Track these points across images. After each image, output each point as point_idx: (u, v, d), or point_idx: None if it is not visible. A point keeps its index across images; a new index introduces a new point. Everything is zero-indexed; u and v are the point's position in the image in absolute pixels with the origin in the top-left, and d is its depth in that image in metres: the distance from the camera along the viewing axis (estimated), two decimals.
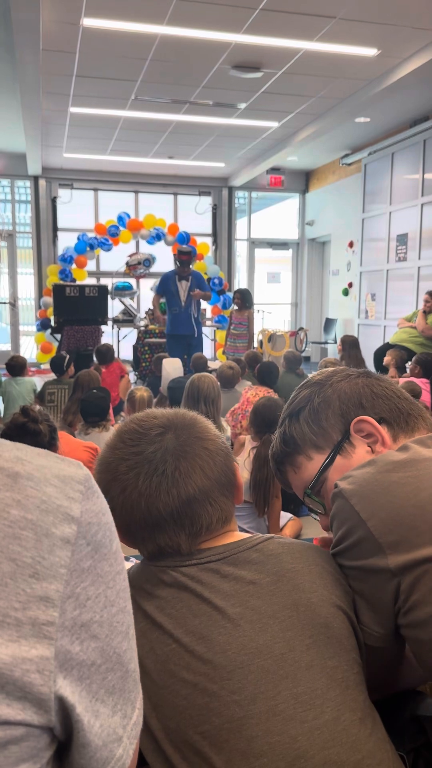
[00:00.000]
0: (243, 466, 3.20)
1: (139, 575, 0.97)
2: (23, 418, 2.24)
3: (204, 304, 10.65)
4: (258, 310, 10.30)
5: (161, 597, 0.92)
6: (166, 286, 7.55)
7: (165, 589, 0.92)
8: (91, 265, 10.54)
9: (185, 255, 7.64)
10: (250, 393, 4.67)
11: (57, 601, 0.51)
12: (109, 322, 8.99)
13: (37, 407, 2.36)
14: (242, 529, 3.39)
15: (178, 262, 7.58)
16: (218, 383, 3.95)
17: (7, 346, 10.84)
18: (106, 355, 6.28)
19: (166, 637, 0.88)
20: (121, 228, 10.23)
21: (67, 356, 5.99)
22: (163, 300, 7.83)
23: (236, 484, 1.03)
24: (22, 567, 0.50)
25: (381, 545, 0.88)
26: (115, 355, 9.41)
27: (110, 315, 9.00)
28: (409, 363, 5.62)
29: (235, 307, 8.18)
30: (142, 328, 8.94)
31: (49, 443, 2.24)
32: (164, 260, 10.99)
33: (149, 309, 9.69)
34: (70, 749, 0.54)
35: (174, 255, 7.78)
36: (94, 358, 6.58)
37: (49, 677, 0.50)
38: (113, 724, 0.55)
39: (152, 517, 0.95)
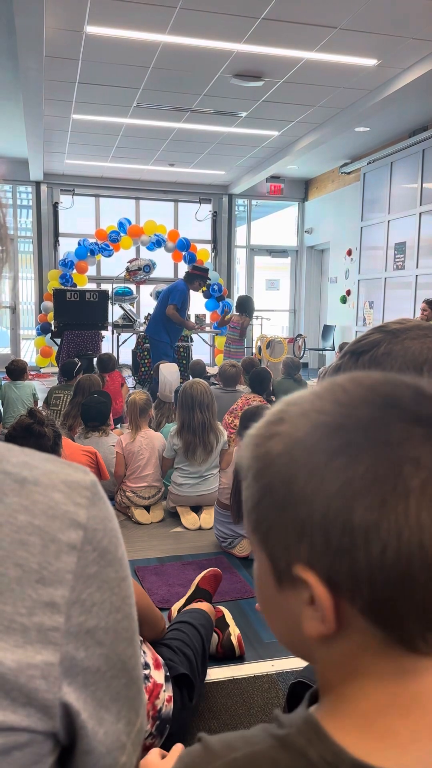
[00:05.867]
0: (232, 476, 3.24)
1: None
2: (29, 420, 2.27)
3: (203, 310, 10.71)
4: (257, 317, 10.34)
5: None
6: (187, 301, 7.44)
7: None
8: (91, 271, 10.58)
9: (205, 272, 7.65)
10: (240, 401, 4.71)
11: (63, 606, 0.50)
12: (109, 327, 9.02)
13: (45, 411, 2.40)
14: (222, 534, 3.42)
15: (200, 281, 7.47)
16: (210, 388, 3.98)
17: (7, 350, 10.87)
18: (108, 363, 6.18)
19: None
20: (121, 234, 10.28)
21: (79, 363, 5.98)
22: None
23: None
24: (28, 572, 0.50)
25: None
26: (117, 361, 9.47)
27: (110, 320, 9.03)
28: None
29: (236, 313, 8.21)
30: (142, 334, 8.97)
31: (52, 447, 2.27)
32: (164, 266, 11.05)
33: (149, 314, 9.73)
34: (74, 756, 0.54)
35: (192, 273, 7.53)
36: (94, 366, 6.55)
37: (54, 683, 0.50)
38: (117, 731, 0.55)
39: None
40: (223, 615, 2.49)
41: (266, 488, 0.49)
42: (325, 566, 0.46)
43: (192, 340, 9.17)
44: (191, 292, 7.47)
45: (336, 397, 0.49)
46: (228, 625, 2.45)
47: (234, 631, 2.42)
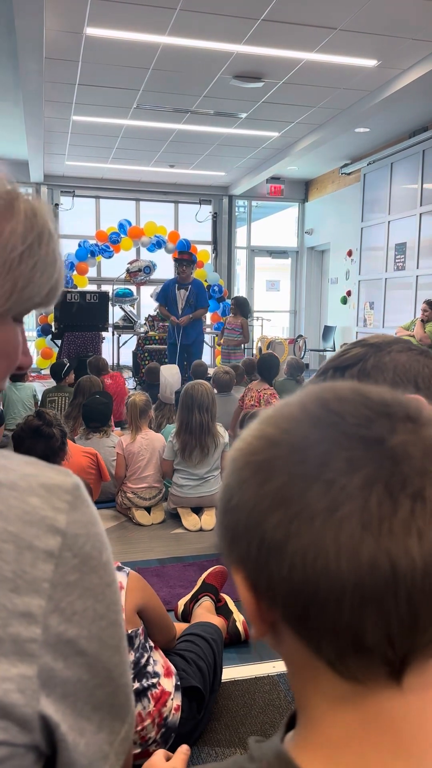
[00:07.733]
0: None
1: None
2: (38, 422, 2.29)
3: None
4: (257, 318, 10.34)
5: None
6: (165, 293, 7.39)
7: None
8: (92, 272, 10.57)
9: (185, 254, 7.57)
10: (253, 393, 4.73)
11: (39, 616, 0.49)
12: (110, 329, 9.02)
13: (52, 411, 2.43)
14: None
15: (177, 264, 7.42)
16: (212, 391, 3.98)
17: None
18: (98, 366, 5.82)
19: None
20: (122, 235, 10.27)
21: (67, 364, 5.97)
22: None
23: None
24: (2, 581, 0.48)
25: None
26: (115, 362, 9.45)
27: (110, 321, 9.03)
28: None
29: (231, 315, 8.19)
30: (142, 335, 8.97)
31: (60, 447, 2.30)
32: (165, 267, 11.04)
33: (149, 315, 9.74)
34: (57, 767, 0.53)
35: (174, 259, 7.58)
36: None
37: (32, 696, 0.48)
38: (99, 741, 0.54)
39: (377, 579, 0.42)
40: (226, 602, 2.53)
41: (221, 492, 0.49)
42: (249, 572, 0.45)
43: None
44: (188, 284, 7.46)
45: (289, 411, 0.46)
46: (231, 612, 2.52)
47: (238, 618, 2.49)
